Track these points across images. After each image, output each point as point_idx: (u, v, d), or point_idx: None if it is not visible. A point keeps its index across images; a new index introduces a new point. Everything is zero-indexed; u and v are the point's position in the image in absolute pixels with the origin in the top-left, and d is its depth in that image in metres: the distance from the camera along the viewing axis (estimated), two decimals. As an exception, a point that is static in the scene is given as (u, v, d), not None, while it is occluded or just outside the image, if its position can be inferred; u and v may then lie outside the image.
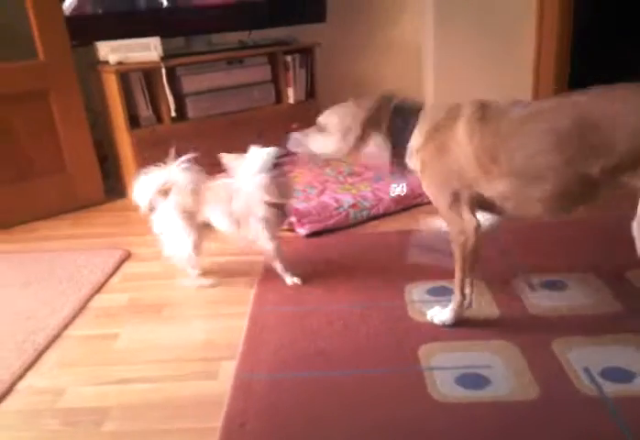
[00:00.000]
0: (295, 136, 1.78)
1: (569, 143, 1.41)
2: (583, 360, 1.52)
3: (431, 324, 1.70)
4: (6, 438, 1.43)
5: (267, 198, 1.91)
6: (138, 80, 2.92)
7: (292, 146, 1.79)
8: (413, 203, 2.68)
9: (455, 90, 3.49)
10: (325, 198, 2.69)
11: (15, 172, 2.77)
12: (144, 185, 1.98)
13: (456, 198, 1.56)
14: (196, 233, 2.02)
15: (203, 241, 2.06)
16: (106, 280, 2.16)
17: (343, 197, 2.67)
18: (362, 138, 1.64)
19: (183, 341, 1.76)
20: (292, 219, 2.47)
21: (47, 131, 2.81)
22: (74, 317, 1.92)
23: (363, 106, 1.64)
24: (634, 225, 1.41)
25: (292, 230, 2.48)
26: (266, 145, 1.94)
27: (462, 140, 1.51)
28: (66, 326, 1.87)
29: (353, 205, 2.60)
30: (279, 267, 2.04)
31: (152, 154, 2.92)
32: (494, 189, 1.52)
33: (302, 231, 2.45)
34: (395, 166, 1.66)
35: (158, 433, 1.40)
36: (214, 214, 2.00)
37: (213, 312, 1.92)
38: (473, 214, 1.56)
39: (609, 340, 1.60)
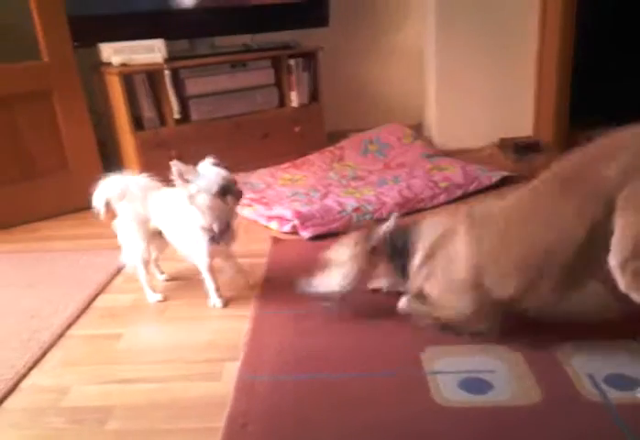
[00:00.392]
0: (303, 280, 1.81)
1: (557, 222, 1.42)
2: (587, 366, 1.52)
3: (435, 328, 1.71)
4: (11, 436, 1.43)
5: (202, 221, 1.82)
6: (142, 82, 2.93)
7: (302, 289, 1.81)
8: (416, 207, 2.69)
9: (457, 94, 3.52)
10: (329, 201, 2.70)
11: (18, 172, 2.77)
12: (101, 190, 1.94)
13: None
14: (146, 241, 1.97)
15: (153, 250, 2.04)
16: (110, 281, 2.16)
17: (346, 201, 2.68)
18: (368, 269, 1.73)
19: (186, 342, 1.77)
20: (295, 222, 2.48)
21: (50, 132, 2.82)
22: (78, 317, 1.92)
23: (361, 240, 1.72)
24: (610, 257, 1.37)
25: (295, 233, 2.48)
26: (226, 162, 1.93)
27: (463, 252, 1.55)
28: (70, 326, 1.87)
29: (356, 209, 2.60)
30: (208, 285, 1.94)
31: (155, 156, 2.95)
32: (504, 290, 1.53)
33: (305, 234, 2.45)
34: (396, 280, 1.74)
35: (160, 432, 1.41)
36: (160, 222, 1.96)
37: (215, 313, 1.92)
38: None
39: (614, 346, 1.60)
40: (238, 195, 1.81)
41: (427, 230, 1.66)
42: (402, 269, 1.67)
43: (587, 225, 1.36)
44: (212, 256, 1.90)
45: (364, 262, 1.71)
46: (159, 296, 2.01)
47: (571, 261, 1.41)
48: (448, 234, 1.59)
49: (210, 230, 1.83)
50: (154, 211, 1.94)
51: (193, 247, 1.89)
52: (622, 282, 1.36)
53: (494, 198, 1.62)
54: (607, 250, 1.34)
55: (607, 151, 1.39)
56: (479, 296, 1.54)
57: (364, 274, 1.73)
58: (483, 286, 1.52)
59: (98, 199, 1.93)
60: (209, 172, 1.79)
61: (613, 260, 1.35)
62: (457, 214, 1.63)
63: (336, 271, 1.74)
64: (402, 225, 1.73)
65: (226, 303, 1.95)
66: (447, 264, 1.58)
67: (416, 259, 1.63)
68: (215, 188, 1.75)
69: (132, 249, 1.98)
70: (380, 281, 1.84)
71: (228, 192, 1.78)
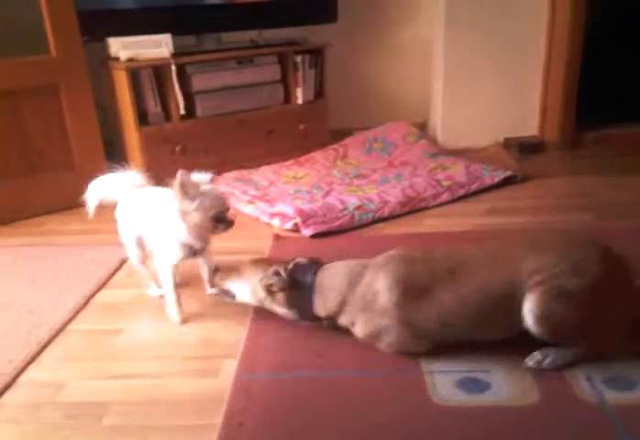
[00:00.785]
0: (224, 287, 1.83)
1: None
2: (586, 368, 1.52)
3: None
4: (8, 431, 1.44)
5: (184, 237, 1.76)
6: (148, 77, 2.94)
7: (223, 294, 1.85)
8: (419, 206, 2.68)
9: (463, 93, 3.51)
10: (331, 199, 2.69)
11: (23, 166, 2.78)
12: (93, 189, 1.93)
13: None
14: (135, 243, 1.96)
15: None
16: (111, 276, 2.17)
17: (349, 199, 2.68)
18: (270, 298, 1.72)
19: (186, 338, 1.77)
20: (297, 219, 2.48)
21: (56, 126, 2.83)
22: (78, 312, 1.93)
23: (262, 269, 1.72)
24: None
25: (297, 231, 2.49)
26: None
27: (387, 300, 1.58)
28: (70, 321, 1.88)
29: (358, 207, 2.60)
30: (168, 298, 1.86)
31: (159, 151, 2.96)
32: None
33: (306, 232, 2.45)
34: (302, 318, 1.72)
35: (157, 428, 1.41)
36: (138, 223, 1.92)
37: (216, 309, 1.92)
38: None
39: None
40: (230, 225, 1.77)
41: (338, 271, 1.68)
42: (302, 305, 1.68)
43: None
44: (177, 268, 1.86)
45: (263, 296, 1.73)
46: (161, 291, 1.96)
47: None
48: (369, 279, 1.61)
49: (188, 246, 1.80)
50: (134, 210, 1.91)
51: (162, 254, 1.83)
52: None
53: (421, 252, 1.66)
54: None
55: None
56: (406, 331, 1.58)
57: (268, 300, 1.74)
58: (410, 323, 1.56)
59: (90, 197, 1.92)
60: (210, 193, 1.72)
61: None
62: (368, 262, 1.67)
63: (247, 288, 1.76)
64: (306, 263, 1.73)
65: (185, 320, 1.86)
66: (371, 307, 1.59)
67: (331, 300, 1.64)
68: (212, 212, 1.71)
69: (128, 251, 1.99)
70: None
71: (222, 220, 1.75)
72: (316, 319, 1.69)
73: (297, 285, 1.66)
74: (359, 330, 1.63)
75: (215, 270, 1.88)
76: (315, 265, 1.72)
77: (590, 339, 1.54)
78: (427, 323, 1.55)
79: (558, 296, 1.45)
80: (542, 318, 1.46)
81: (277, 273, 1.66)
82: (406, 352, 1.61)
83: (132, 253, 1.99)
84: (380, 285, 1.58)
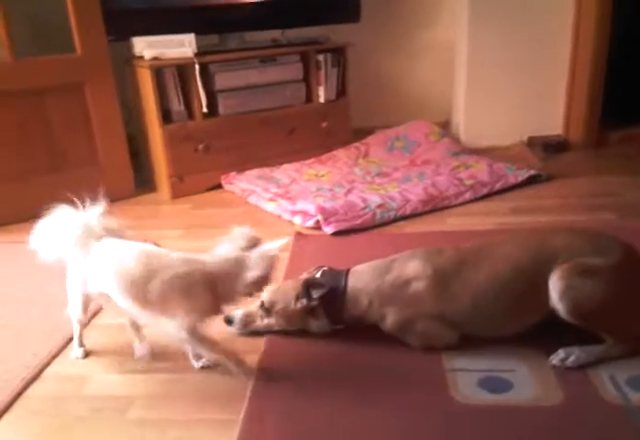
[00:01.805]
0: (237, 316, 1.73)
1: None
2: (609, 367, 1.51)
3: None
4: (34, 423, 1.46)
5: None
6: (172, 75, 2.96)
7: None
8: (441, 204, 2.67)
9: (487, 91, 3.48)
10: (353, 197, 2.69)
11: (49, 164, 2.82)
12: (49, 230, 1.56)
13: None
14: (83, 302, 1.61)
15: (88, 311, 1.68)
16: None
17: (370, 197, 2.67)
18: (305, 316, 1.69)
19: (209, 334, 1.77)
20: (319, 217, 2.49)
21: (81, 124, 2.87)
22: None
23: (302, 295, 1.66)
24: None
25: (318, 228, 2.49)
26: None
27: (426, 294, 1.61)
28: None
29: (380, 205, 2.59)
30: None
31: (182, 149, 2.98)
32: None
33: (328, 229, 2.45)
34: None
35: (180, 422, 1.42)
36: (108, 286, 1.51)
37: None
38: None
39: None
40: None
41: (365, 270, 1.69)
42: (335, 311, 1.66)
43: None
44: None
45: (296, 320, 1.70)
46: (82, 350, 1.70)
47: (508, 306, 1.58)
48: (398, 269, 1.64)
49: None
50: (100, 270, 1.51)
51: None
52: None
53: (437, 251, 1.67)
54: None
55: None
56: (436, 319, 1.60)
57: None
58: (441, 310, 1.59)
59: (45, 242, 1.54)
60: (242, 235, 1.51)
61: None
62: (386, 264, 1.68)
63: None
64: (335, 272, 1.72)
65: (86, 355, 1.71)
66: (402, 297, 1.61)
67: (362, 298, 1.64)
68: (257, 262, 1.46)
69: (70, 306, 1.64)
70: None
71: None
72: (346, 322, 1.68)
73: (330, 292, 1.64)
74: (389, 322, 1.63)
75: None
76: (340, 270, 1.71)
77: (615, 326, 1.53)
78: (458, 306, 1.57)
79: (583, 272, 1.48)
80: (566, 292, 1.48)
81: (312, 285, 1.64)
82: (433, 345, 1.62)
83: (74, 310, 1.64)
84: (410, 272, 1.61)
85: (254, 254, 1.45)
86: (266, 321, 1.72)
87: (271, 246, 1.47)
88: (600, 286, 1.48)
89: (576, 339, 1.55)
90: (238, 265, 1.45)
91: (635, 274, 1.54)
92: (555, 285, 1.50)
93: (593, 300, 1.48)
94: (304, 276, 1.73)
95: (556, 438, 1.31)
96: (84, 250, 1.52)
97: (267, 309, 1.69)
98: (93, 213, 1.58)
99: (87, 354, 1.71)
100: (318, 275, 1.70)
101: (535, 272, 1.53)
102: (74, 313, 1.64)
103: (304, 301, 1.64)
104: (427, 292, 1.58)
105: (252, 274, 1.43)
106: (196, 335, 1.47)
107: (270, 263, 1.45)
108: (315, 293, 1.63)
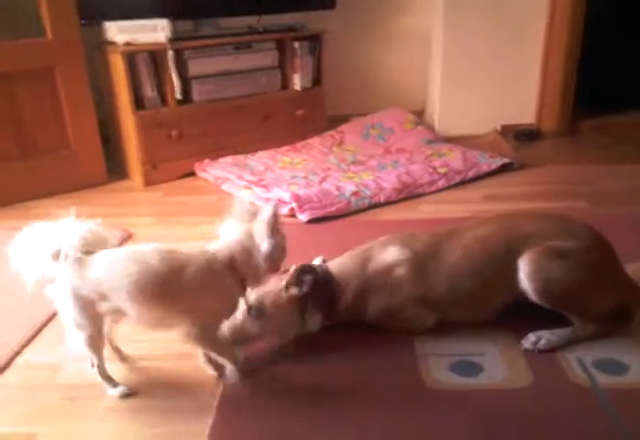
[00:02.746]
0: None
1: None
2: (576, 350, 1.54)
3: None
4: (5, 412, 1.45)
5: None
6: (145, 61, 2.92)
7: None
8: (415, 192, 2.69)
9: (461, 80, 3.49)
10: (327, 185, 2.69)
11: (18, 150, 2.77)
12: (27, 247, 1.39)
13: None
14: (94, 325, 1.40)
15: (105, 334, 1.49)
16: (107, 259, 2.16)
17: (345, 185, 2.68)
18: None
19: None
20: (293, 205, 2.49)
21: (52, 109, 2.82)
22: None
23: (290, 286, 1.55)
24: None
25: (292, 216, 2.49)
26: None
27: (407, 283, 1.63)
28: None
29: (355, 193, 2.60)
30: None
31: (155, 136, 2.95)
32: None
33: (302, 217, 2.45)
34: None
35: (156, 409, 1.42)
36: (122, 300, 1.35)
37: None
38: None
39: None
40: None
41: (345, 261, 1.67)
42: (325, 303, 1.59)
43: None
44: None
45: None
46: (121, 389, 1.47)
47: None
48: (377, 256, 1.64)
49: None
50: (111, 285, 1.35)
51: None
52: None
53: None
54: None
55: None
56: (418, 301, 1.62)
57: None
58: (421, 292, 1.61)
59: (26, 262, 1.38)
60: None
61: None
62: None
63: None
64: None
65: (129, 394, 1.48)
66: (384, 283, 1.61)
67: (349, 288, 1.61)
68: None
69: (73, 334, 1.42)
70: None
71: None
72: (336, 315, 1.63)
73: (320, 282, 1.57)
74: (372, 309, 1.63)
75: None
76: (318, 264, 1.68)
77: (582, 307, 1.57)
78: (436, 288, 1.60)
79: (552, 255, 1.53)
80: (535, 274, 1.53)
81: (302, 271, 1.54)
82: (414, 329, 1.64)
83: (81, 337, 1.41)
84: (389, 258, 1.62)
85: (258, 223, 1.42)
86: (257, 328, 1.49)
87: (267, 209, 1.43)
88: (568, 268, 1.52)
89: (544, 323, 1.58)
90: (251, 238, 1.42)
91: (602, 258, 1.59)
92: (524, 267, 1.54)
93: (562, 281, 1.51)
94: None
95: (525, 420, 1.34)
96: (80, 266, 1.35)
97: (257, 310, 1.47)
98: (86, 225, 1.42)
99: (131, 393, 1.47)
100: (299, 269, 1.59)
101: (507, 255, 1.57)
102: (84, 343, 1.40)
103: (295, 290, 1.53)
104: (408, 277, 1.60)
105: (266, 242, 1.42)
106: (208, 338, 1.42)
107: (276, 223, 1.43)
108: (306, 278, 1.53)
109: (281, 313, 1.52)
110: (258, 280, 1.48)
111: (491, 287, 1.60)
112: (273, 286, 1.53)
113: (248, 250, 1.43)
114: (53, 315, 1.80)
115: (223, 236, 1.47)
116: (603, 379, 1.43)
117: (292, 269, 1.54)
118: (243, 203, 1.51)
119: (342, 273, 1.64)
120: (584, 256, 1.54)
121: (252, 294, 1.48)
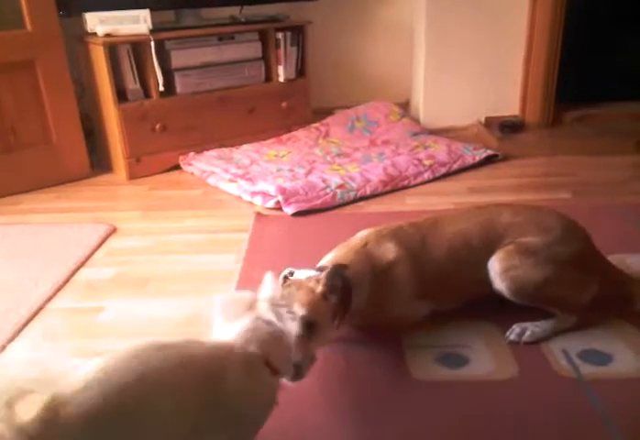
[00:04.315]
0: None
1: None
2: (561, 341, 1.56)
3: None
4: None
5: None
6: (127, 53, 2.88)
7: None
8: (401, 185, 2.69)
9: (445, 72, 3.50)
10: (313, 178, 2.69)
11: (-1, 144, 2.74)
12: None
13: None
14: None
15: None
16: (91, 254, 2.15)
17: (331, 177, 2.67)
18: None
19: (167, 316, 1.77)
20: (279, 198, 2.48)
21: (32, 103, 2.77)
22: (58, 290, 1.92)
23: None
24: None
25: (278, 209, 2.48)
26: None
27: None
28: (50, 299, 1.86)
29: (340, 186, 2.60)
30: None
31: (138, 128, 2.92)
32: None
33: (288, 210, 2.45)
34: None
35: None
36: None
37: (197, 287, 1.92)
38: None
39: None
40: None
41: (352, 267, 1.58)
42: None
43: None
44: None
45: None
46: None
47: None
48: (387, 264, 1.59)
49: None
50: None
51: None
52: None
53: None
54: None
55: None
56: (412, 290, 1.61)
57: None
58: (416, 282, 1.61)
59: None
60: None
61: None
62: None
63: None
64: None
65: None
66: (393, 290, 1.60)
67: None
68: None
69: None
70: None
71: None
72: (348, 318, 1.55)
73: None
74: (379, 311, 1.60)
75: None
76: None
77: (560, 300, 1.58)
78: (427, 282, 1.59)
79: (519, 252, 1.55)
80: (505, 273, 1.55)
81: (334, 276, 1.45)
82: (407, 319, 1.63)
83: None
84: (390, 257, 1.59)
85: (264, 303, 1.17)
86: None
87: (265, 290, 1.20)
88: (537, 265, 1.53)
89: (529, 314, 1.59)
90: (269, 323, 1.15)
91: (576, 249, 1.59)
92: (495, 267, 1.56)
93: (532, 279, 1.53)
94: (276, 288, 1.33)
95: (511, 411, 1.35)
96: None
97: (309, 323, 1.36)
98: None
99: None
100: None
101: (484, 250, 1.59)
102: None
103: (334, 297, 1.43)
104: (408, 273, 1.59)
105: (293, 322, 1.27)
106: None
107: (278, 292, 1.21)
108: (337, 282, 1.44)
109: (327, 322, 1.43)
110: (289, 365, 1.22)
111: (475, 279, 1.61)
112: (295, 295, 1.40)
113: (276, 337, 1.15)
114: (36, 312, 1.79)
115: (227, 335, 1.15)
116: (588, 370, 1.45)
117: (325, 273, 1.43)
118: (226, 298, 1.22)
119: (353, 274, 1.53)
120: (555, 249, 1.55)
121: (296, 307, 1.37)
